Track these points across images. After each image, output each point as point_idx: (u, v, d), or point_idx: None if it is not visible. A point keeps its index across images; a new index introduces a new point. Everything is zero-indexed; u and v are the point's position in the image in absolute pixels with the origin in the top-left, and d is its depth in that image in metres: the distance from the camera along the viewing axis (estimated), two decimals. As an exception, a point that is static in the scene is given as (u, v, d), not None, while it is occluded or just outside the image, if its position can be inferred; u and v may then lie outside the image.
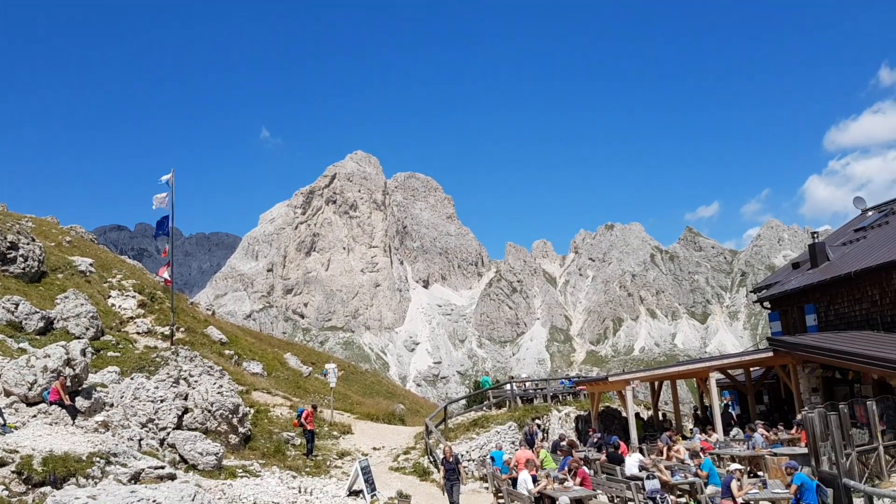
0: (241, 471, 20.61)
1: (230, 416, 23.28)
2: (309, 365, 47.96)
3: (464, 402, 43.49)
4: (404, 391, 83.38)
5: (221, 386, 23.94)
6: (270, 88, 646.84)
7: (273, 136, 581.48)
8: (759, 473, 20.57)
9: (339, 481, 21.92)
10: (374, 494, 20.15)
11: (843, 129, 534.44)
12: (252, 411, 27.49)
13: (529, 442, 26.10)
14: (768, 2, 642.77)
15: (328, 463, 24.64)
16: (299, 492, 19.39)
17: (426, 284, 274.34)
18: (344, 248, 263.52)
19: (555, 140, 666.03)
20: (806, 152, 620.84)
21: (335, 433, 29.80)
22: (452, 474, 19.62)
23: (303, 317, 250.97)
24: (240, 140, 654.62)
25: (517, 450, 28.11)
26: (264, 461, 22.64)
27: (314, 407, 26.96)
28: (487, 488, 23.71)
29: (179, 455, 19.94)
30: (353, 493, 20.30)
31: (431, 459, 26.52)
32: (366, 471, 20.60)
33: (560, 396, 35.81)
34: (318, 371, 45.54)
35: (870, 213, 33.92)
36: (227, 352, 38.26)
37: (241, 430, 23.88)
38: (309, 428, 25.27)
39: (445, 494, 19.74)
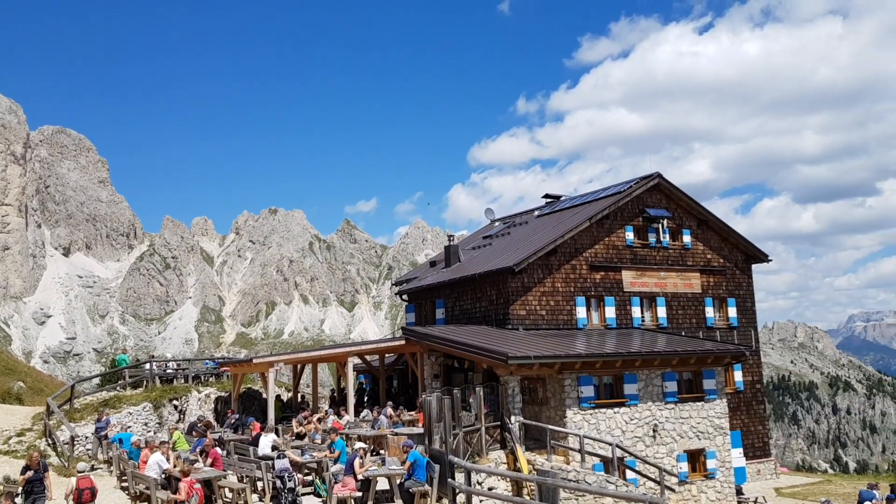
0: None
1: None
2: None
3: (97, 380, 41.15)
4: (27, 368, 75.13)
5: None
6: None
7: None
8: (381, 451, 22.46)
9: (-70, 467, 19.40)
10: (-26, 480, 18.24)
11: (484, 147, 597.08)
12: None
13: (100, 428, 24.89)
14: (434, 21, 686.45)
15: (-82, 447, 21.58)
16: None
17: (67, 252, 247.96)
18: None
19: (226, 118, 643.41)
20: (453, 163, 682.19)
21: (-68, 413, 26.16)
22: (38, 486, 15.50)
23: None
24: None
25: (149, 432, 27.28)
26: None
27: None
28: (112, 472, 22.73)
29: None
30: (-52, 480, 18.17)
31: (50, 442, 24.74)
32: (-34, 454, 18.55)
33: (203, 377, 35.43)
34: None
35: (496, 224, 38.64)
36: None
37: None
38: None
39: None
